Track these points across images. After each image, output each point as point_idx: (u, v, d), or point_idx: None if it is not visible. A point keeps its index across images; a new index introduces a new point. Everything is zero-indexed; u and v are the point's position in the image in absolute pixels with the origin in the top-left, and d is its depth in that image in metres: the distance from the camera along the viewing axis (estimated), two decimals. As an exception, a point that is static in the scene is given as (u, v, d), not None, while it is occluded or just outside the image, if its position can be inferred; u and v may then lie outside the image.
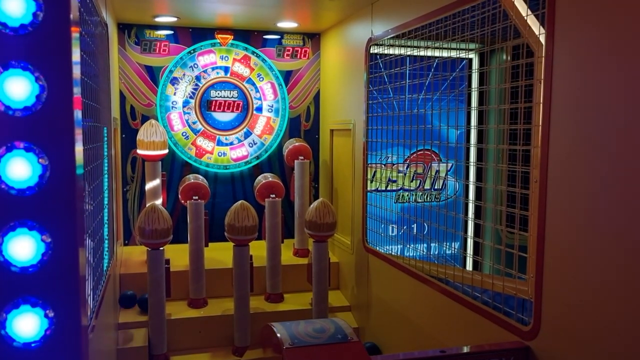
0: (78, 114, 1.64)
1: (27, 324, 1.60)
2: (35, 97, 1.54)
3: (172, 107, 5.64)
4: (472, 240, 4.12)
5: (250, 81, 5.81)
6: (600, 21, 2.19)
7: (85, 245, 1.83)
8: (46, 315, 1.60)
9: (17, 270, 1.58)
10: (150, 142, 4.96)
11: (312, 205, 4.61)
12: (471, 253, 4.01)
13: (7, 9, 1.51)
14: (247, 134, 5.85)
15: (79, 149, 1.65)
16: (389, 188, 4.55)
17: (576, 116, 2.31)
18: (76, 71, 1.63)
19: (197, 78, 5.68)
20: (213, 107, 5.71)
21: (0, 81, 1.52)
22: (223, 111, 5.75)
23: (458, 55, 3.51)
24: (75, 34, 1.64)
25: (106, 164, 3.66)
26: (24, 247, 1.58)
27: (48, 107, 1.56)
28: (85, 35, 2.33)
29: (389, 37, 4.12)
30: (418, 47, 3.75)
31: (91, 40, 2.70)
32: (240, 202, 4.50)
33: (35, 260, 1.59)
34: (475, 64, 4.56)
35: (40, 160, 1.56)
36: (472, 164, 4.29)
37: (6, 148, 1.54)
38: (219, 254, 5.12)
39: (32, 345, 1.60)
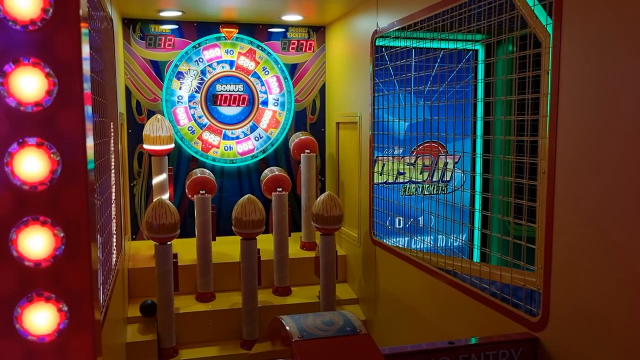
0: (88, 109, 1.65)
1: (41, 318, 1.61)
2: (46, 93, 1.55)
3: (178, 101, 5.65)
4: (479, 231, 4.12)
5: (255, 75, 5.81)
6: (608, 10, 2.18)
7: (97, 240, 1.84)
8: (60, 310, 1.61)
9: (31, 265, 1.60)
10: (157, 136, 4.97)
11: (319, 199, 4.62)
12: (479, 245, 4.01)
13: (17, 6, 1.52)
14: (253, 128, 5.85)
15: (89, 144, 1.66)
16: (395, 180, 4.55)
17: (584, 107, 2.30)
18: (86, 67, 1.64)
19: (203, 72, 5.68)
20: (219, 101, 5.72)
21: (11, 77, 1.54)
22: (229, 105, 5.75)
23: (464, 47, 3.50)
24: (84, 29, 1.64)
25: (113, 159, 3.68)
26: (37, 242, 1.59)
27: (59, 102, 1.57)
28: (92, 30, 2.34)
29: (394, 29, 4.10)
30: (424, 39, 3.74)
31: (97, 36, 2.71)
32: (247, 196, 4.51)
33: (48, 255, 1.60)
34: (481, 55, 4.54)
35: (51, 155, 1.57)
36: (479, 155, 4.28)
37: (18, 144, 1.55)
38: (227, 248, 5.14)
39: (46, 339, 1.62)
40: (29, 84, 1.54)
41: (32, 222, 1.58)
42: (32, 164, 1.57)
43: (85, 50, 1.67)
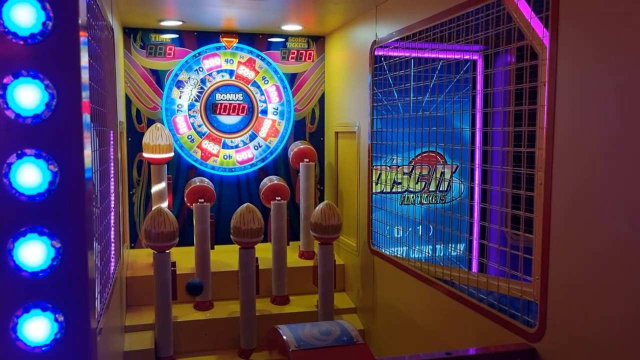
0: (87, 118, 1.67)
1: (38, 328, 1.62)
2: (45, 105, 1.57)
3: (178, 110, 5.67)
4: (477, 242, 4.12)
5: (255, 84, 5.84)
6: (604, 23, 2.20)
7: (93, 250, 1.85)
8: (56, 320, 1.62)
9: (28, 275, 1.61)
10: (156, 145, 4.99)
11: (317, 208, 4.63)
12: (477, 255, 4.01)
13: (17, 19, 1.54)
14: (253, 137, 5.87)
15: (87, 153, 1.67)
16: (394, 190, 4.56)
17: (580, 118, 2.31)
18: (85, 76, 1.66)
19: (203, 81, 5.70)
20: (218, 110, 5.74)
21: (10, 90, 1.56)
22: (228, 114, 5.77)
23: (462, 58, 3.52)
24: (83, 38, 1.66)
25: (112, 168, 3.69)
26: (34, 253, 1.61)
27: (57, 114, 1.58)
28: (92, 40, 2.36)
29: (393, 39, 4.13)
30: (423, 49, 3.76)
31: (97, 45, 2.72)
32: (245, 204, 4.52)
33: (45, 265, 1.61)
34: (479, 66, 4.57)
35: (49, 166, 1.58)
36: (476, 165, 4.29)
37: (17, 155, 1.57)
38: (225, 257, 5.14)
39: (43, 349, 1.63)
40: (28, 97, 1.56)
41: (29, 233, 1.59)
42: (30, 175, 1.58)
43: (85, 59, 1.69)
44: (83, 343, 1.64)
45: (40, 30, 1.54)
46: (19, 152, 1.56)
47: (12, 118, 1.55)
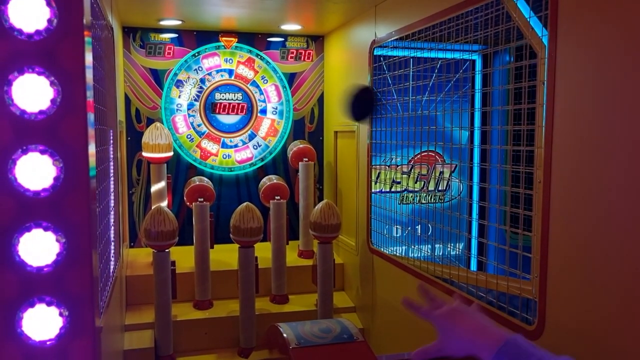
0: (91, 116, 1.68)
1: (43, 323, 1.64)
2: (50, 101, 1.58)
3: (177, 109, 5.68)
4: (476, 240, 4.14)
5: (254, 83, 5.85)
6: (604, 22, 2.21)
7: (97, 245, 1.86)
8: (61, 314, 1.64)
9: (33, 270, 1.62)
10: (156, 144, 5.00)
11: (316, 207, 4.64)
12: (475, 253, 4.03)
13: (22, 16, 1.55)
14: (252, 136, 5.88)
15: (91, 151, 1.69)
16: (393, 189, 4.57)
17: (579, 117, 2.33)
18: (89, 75, 1.67)
19: (202, 81, 5.71)
20: (218, 109, 5.75)
21: (16, 86, 1.57)
22: (227, 113, 5.78)
23: (461, 57, 3.54)
24: (87, 38, 1.67)
25: (112, 167, 3.69)
26: (39, 248, 1.62)
27: (62, 110, 1.59)
28: (93, 39, 2.37)
29: (392, 39, 4.15)
30: (422, 48, 3.78)
31: (98, 44, 2.73)
32: (245, 204, 4.53)
33: (50, 261, 1.63)
34: (478, 65, 4.58)
35: (54, 162, 1.60)
36: (475, 164, 4.31)
37: (22, 151, 1.58)
38: (225, 256, 5.14)
39: (47, 343, 1.64)
40: (33, 93, 1.57)
41: (34, 228, 1.60)
42: (35, 171, 1.60)
43: (89, 58, 1.70)
44: (88, 337, 1.65)
45: (45, 27, 1.56)
46: (24, 147, 1.58)
47: (17, 114, 1.56)
